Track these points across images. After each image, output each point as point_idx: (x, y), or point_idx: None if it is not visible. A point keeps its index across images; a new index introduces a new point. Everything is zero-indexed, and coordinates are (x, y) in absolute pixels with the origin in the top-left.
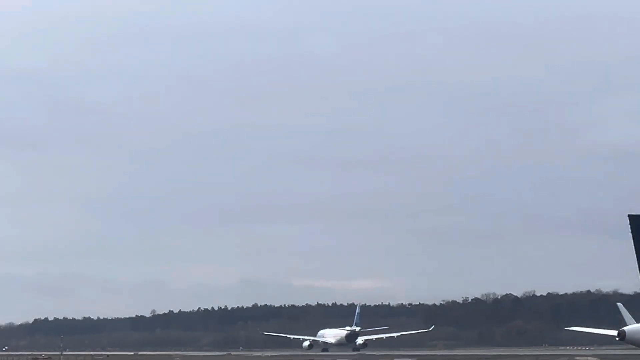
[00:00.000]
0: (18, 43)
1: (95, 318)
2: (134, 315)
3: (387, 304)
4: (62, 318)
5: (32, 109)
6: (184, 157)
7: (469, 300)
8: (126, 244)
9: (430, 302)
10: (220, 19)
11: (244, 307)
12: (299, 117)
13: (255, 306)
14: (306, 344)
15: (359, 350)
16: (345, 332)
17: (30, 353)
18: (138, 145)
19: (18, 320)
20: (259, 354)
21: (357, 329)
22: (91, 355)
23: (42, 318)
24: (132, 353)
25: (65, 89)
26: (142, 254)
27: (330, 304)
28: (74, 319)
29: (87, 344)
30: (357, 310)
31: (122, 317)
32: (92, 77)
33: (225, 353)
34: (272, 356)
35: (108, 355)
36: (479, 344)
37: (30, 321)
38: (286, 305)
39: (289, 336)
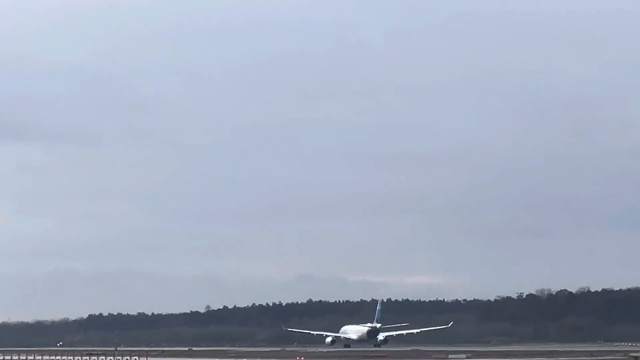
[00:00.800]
0: (72, 38)
1: (149, 314)
2: (188, 311)
3: (442, 299)
4: (116, 314)
5: (84, 104)
6: (236, 152)
7: (524, 296)
8: (180, 239)
9: (485, 298)
10: (271, 17)
11: (299, 302)
12: (349, 112)
13: (310, 302)
14: (329, 339)
15: (379, 346)
16: (367, 328)
17: (84, 348)
18: (191, 141)
19: (72, 316)
20: (313, 349)
21: (378, 325)
22: (146, 350)
23: (97, 314)
24: (186, 349)
25: (117, 85)
26: (196, 249)
27: (385, 300)
28: (128, 315)
29: (142, 340)
30: (378, 307)
31: (177, 313)
32: (145, 73)
33: (280, 348)
34: (326, 352)
35: (163, 351)
36: (533, 340)
37: (85, 317)
38: (341, 301)
39: (311, 332)
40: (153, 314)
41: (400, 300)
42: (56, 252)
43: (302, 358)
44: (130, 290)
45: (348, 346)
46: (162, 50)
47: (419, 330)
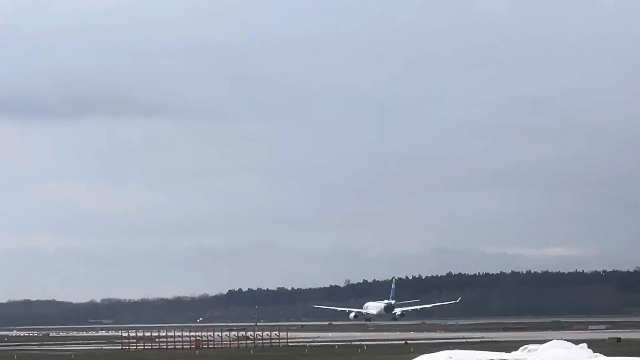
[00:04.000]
0: (200, 16)
1: (289, 288)
2: (327, 285)
3: (581, 271)
4: (256, 289)
5: (214, 81)
6: (367, 125)
7: None
8: (316, 214)
9: (624, 269)
10: None
11: (438, 275)
12: (476, 84)
13: (449, 275)
14: (352, 315)
15: (397, 320)
16: (384, 304)
17: (224, 324)
18: (321, 116)
19: (212, 292)
20: (453, 322)
21: (393, 301)
22: (286, 325)
23: (236, 289)
24: (327, 323)
25: (246, 61)
26: (332, 224)
27: (524, 272)
28: (268, 290)
29: (282, 314)
30: (393, 286)
31: (316, 287)
32: (273, 49)
33: (420, 322)
34: (467, 325)
35: (302, 325)
36: None
37: (224, 292)
38: (480, 274)
39: (336, 308)
40: (292, 288)
41: (540, 272)
42: (190, 228)
43: (442, 330)
44: (269, 265)
45: (369, 320)
46: (289, 25)
47: (431, 306)
